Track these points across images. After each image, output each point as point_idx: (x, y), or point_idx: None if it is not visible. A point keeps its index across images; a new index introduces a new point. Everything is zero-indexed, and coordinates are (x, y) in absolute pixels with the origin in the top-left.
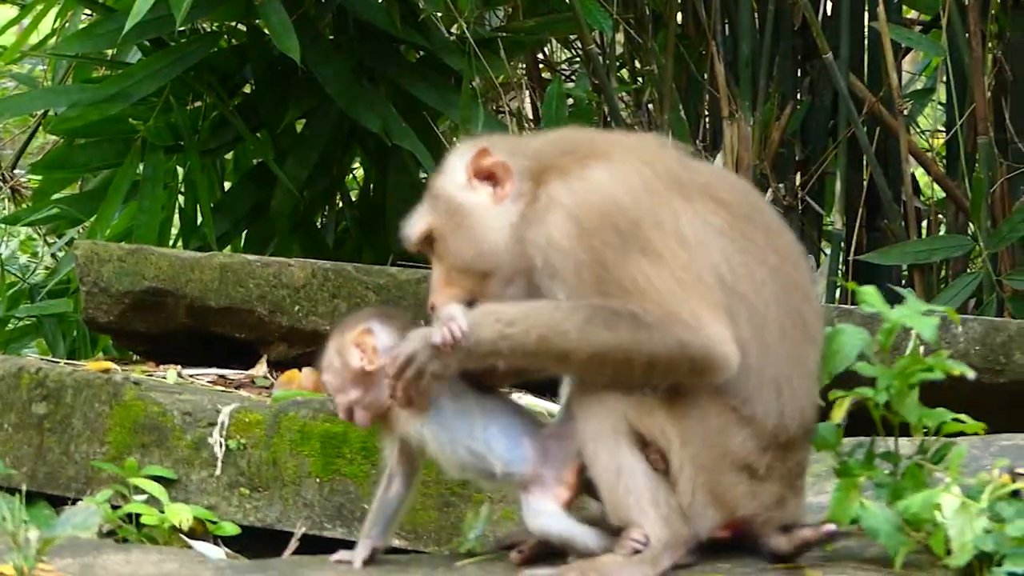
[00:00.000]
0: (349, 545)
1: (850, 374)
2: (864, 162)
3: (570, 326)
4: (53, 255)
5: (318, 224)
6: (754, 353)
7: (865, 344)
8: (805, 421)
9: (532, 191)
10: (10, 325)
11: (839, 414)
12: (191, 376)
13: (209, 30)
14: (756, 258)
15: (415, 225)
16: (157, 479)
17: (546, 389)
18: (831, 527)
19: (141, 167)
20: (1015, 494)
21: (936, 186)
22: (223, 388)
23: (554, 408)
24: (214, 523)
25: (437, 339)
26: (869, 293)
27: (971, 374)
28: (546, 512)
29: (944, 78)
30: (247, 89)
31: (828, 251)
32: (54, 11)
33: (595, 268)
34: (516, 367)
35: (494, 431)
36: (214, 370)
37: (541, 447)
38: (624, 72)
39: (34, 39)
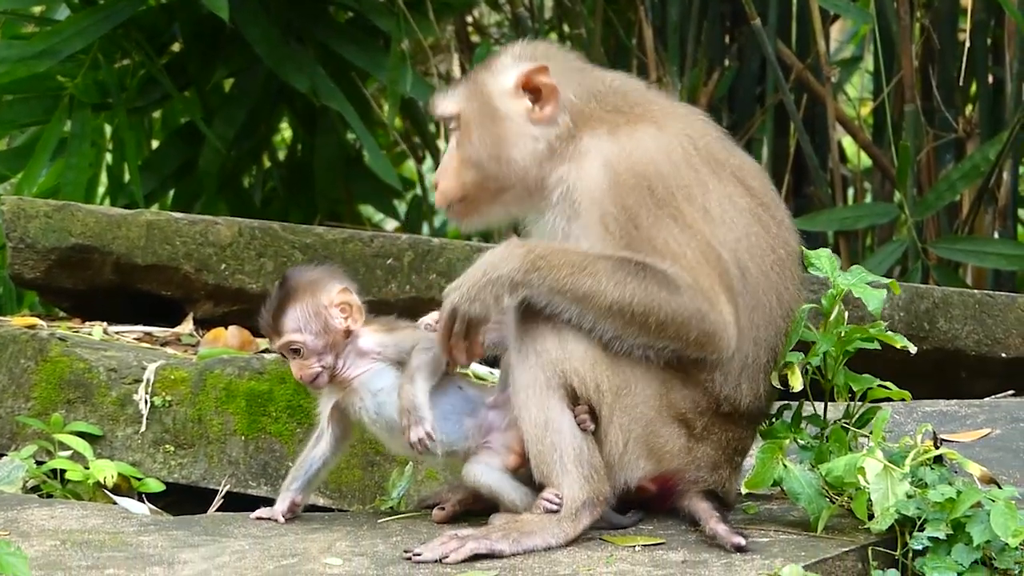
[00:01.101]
0: (273, 503)
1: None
2: (791, 129)
3: (601, 267)
4: None
5: (245, 183)
6: (741, 329)
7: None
8: (759, 400)
9: (570, 129)
10: None
11: (796, 381)
12: (117, 333)
13: None
14: (768, 246)
15: (447, 104)
16: (82, 435)
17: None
18: (741, 540)
19: (69, 124)
20: (937, 459)
21: (863, 154)
22: (149, 345)
23: None
24: (139, 480)
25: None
26: (821, 257)
27: (912, 348)
28: (482, 463)
29: (872, 46)
30: (176, 48)
31: None
32: None
33: (625, 223)
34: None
35: (435, 417)
36: (140, 327)
37: (482, 422)
38: (553, 35)
39: None
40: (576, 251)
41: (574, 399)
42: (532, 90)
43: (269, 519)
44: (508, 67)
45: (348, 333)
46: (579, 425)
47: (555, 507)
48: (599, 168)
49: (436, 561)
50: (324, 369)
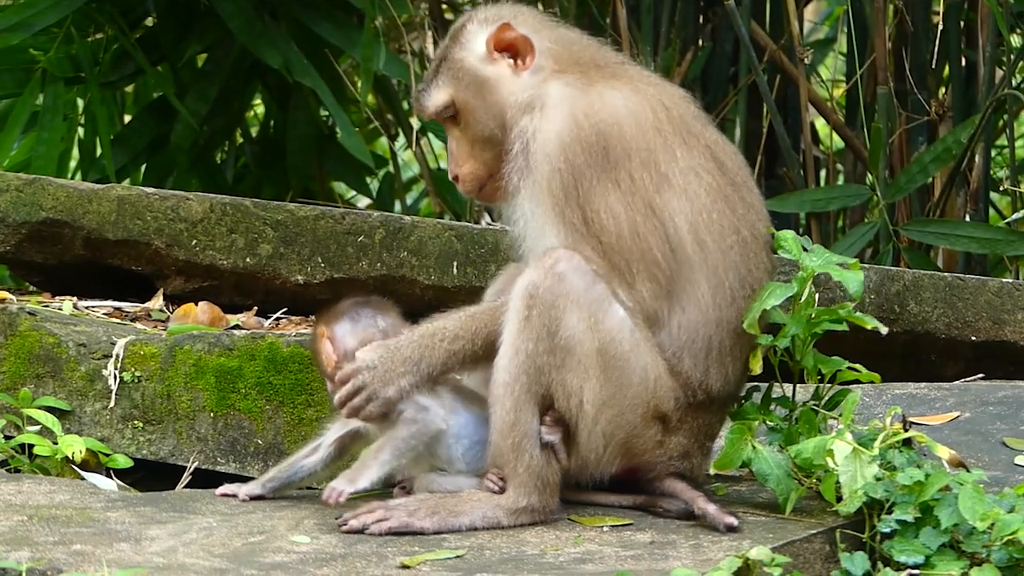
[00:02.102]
0: (242, 480)
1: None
2: (764, 110)
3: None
4: None
5: (217, 159)
6: (699, 310)
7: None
8: (728, 384)
9: (547, 77)
10: None
11: (755, 364)
12: (87, 308)
13: None
14: (731, 225)
15: (434, 96)
16: (51, 410)
17: None
18: (733, 520)
19: (41, 98)
20: (906, 442)
21: (835, 135)
22: (119, 320)
23: None
24: (107, 455)
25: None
26: (787, 238)
27: (884, 329)
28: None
29: (845, 28)
30: (149, 22)
31: None
32: None
33: (567, 182)
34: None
35: (461, 449)
36: (110, 302)
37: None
38: None
39: None
40: (484, 314)
41: (546, 406)
42: (507, 48)
43: (233, 496)
44: (476, 33)
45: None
46: (541, 436)
47: (496, 488)
48: (561, 120)
49: (360, 530)
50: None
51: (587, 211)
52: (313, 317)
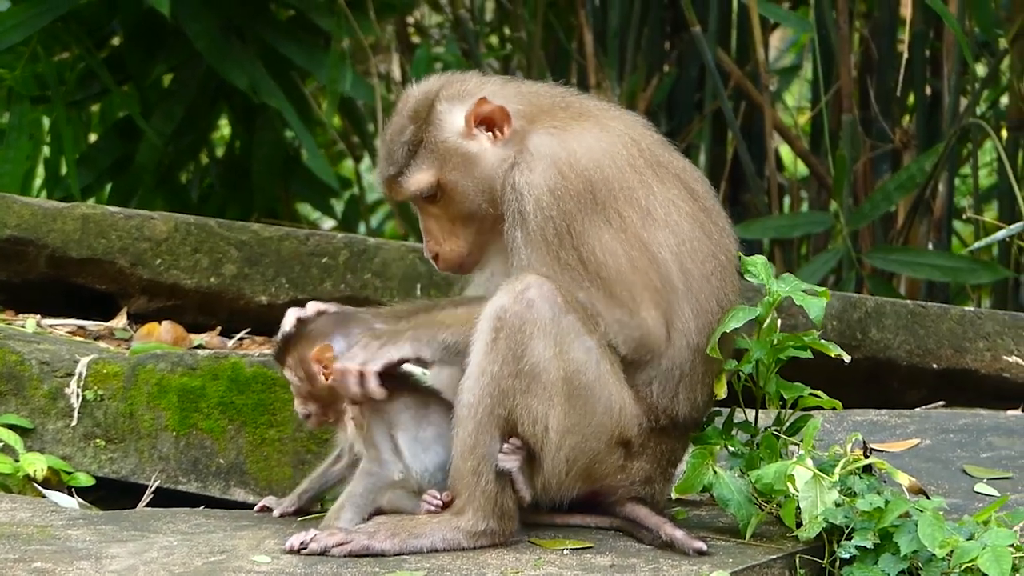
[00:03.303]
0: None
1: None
2: (729, 136)
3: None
4: None
5: (183, 179)
6: (683, 336)
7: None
8: (696, 410)
9: (524, 133)
10: None
11: (720, 389)
12: (50, 326)
13: None
14: (709, 252)
15: (417, 179)
16: (13, 428)
17: None
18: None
19: (7, 116)
20: (867, 469)
21: (800, 162)
22: (82, 339)
23: None
24: (69, 473)
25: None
26: (756, 264)
27: (847, 358)
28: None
29: (811, 55)
30: (115, 42)
31: None
32: None
33: (560, 227)
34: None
35: (433, 481)
36: (74, 321)
37: None
38: (493, 38)
39: None
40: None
41: (513, 430)
42: (484, 121)
43: (269, 509)
44: (450, 112)
45: (333, 390)
46: (498, 463)
47: (434, 507)
48: (544, 170)
49: (321, 553)
50: (312, 414)
51: (582, 252)
52: (279, 344)
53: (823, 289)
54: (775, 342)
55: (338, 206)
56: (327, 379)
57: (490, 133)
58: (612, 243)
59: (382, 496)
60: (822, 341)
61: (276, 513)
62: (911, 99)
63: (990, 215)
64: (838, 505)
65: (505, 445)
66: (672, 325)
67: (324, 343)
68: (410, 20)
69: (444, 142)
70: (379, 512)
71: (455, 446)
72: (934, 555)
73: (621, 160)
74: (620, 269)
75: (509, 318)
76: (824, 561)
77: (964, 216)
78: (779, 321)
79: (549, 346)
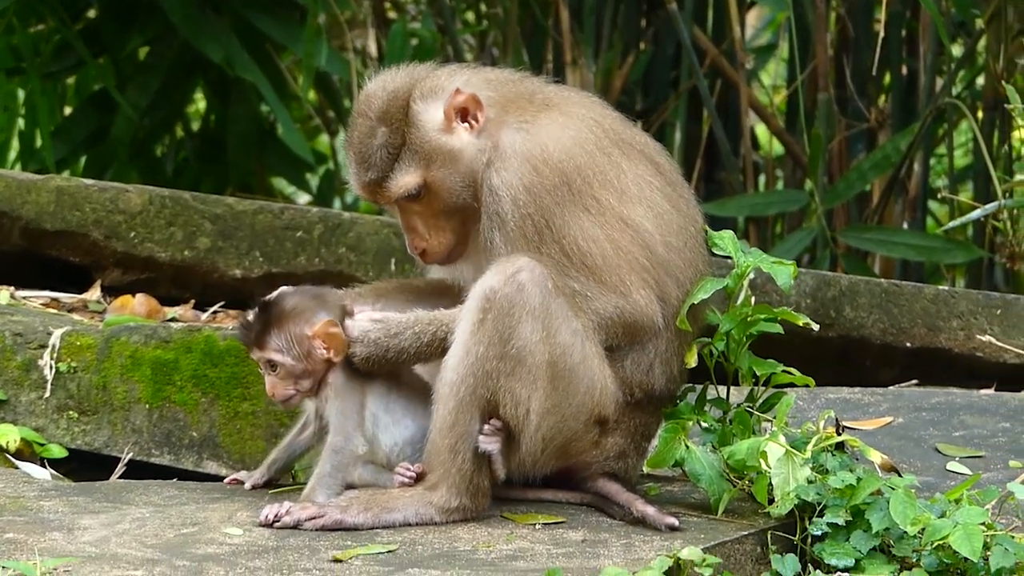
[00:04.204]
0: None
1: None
2: (704, 114)
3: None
4: None
5: (158, 152)
6: (671, 308)
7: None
8: (672, 382)
9: (497, 124)
10: None
11: (691, 358)
12: (24, 298)
13: None
14: (680, 225)
15: (404, 182)
16: None
17: None
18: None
19: None
20: (839, 446)
21: (775, 141)
22: (56, 311)
23: None
24: (41, 445)
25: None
26: (724, 238)
27: (815, 326)
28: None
29: (787, 34)
30: (91, 14)
31: None
32: None
33: (539, 223)
34: None
35: (403, 455)
36: (47, 293)
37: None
38: (469, 14)
39: None
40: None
41: (494, 411)
42: (459, 112)
43: (240, 482)
44: (427, 110)
45: (329, 363)
46: (478, 444)
47: (407, 479)
48: (518, 168)
49: (293, 526)
50: (299, 392)
51: (564, 244)
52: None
53: (790, 262)
54: (747, 315)
55: (313, 180)
56: (328, 352)
57: (466, 124)
58: (593, 230)
59: (352, 473)
60: (792, 311)
61: (248, 485)
62: (887, 79)
63: (965, 195)
64: (810, 482)
65: (486, 426)
66: (666, 301)
67: (325, 318)
68: None
69: (428, 142)
70: (351, 487)
71: (434, 422)
72: (906, 532)
73: (589, 145)
74: (605, 254)
75: (498, 300)
76: (796, 538)
77: (939, 196)
78: (753, 299)
79: (537, 330)
